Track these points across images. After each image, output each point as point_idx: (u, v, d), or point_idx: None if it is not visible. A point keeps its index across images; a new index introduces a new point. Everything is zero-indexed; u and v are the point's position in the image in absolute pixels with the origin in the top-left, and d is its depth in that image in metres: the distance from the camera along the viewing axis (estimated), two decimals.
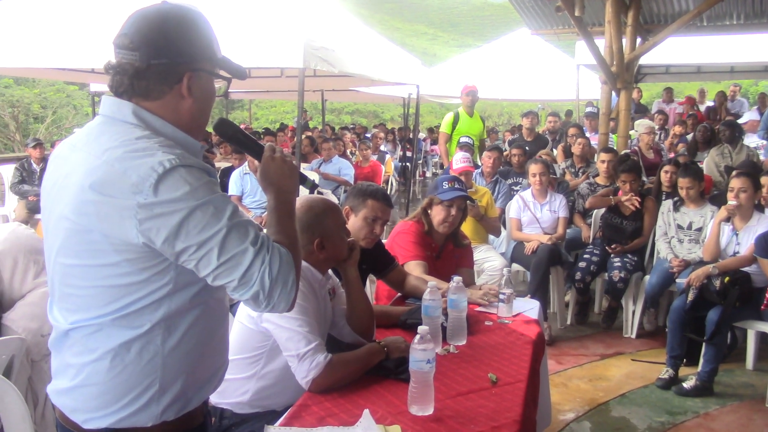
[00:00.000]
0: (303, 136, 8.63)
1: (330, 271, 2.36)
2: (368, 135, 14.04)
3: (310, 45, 5.81)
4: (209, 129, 6.03)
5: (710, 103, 11.52)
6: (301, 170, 1.59)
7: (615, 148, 7.26)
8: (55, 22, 5.86)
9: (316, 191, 1.73)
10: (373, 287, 3.63)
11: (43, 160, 7.49)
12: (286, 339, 1.98)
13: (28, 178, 7.38)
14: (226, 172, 7.23)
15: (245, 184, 6.70)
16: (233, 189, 6.67)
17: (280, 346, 2.02)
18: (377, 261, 3.04)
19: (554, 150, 7.57)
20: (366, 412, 1.79)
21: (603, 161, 5.66)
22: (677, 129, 8.78)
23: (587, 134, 7.73)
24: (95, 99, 10.65)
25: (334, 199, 6.81)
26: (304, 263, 2.15)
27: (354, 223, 2.78)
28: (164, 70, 1.33)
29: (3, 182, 7.89)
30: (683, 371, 4.09)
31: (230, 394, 2.12)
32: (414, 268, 3.21)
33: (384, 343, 2.18)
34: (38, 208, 7.13)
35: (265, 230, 1.39)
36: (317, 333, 2.02)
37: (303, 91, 6.12)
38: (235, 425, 2.11)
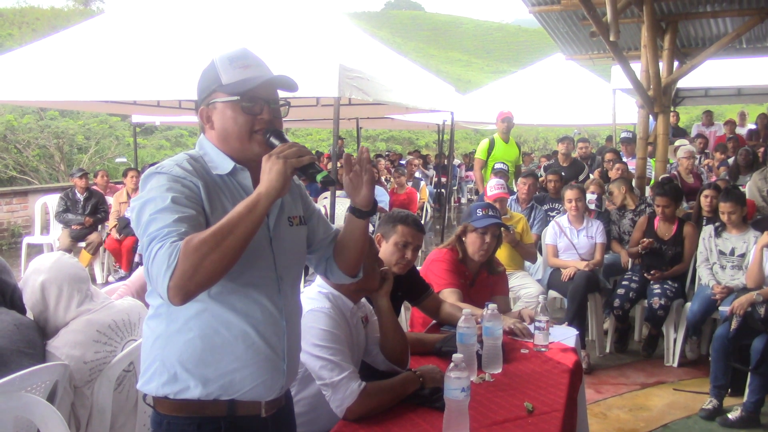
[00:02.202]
0: (338, 164, 8.73)
1: (364, 299, 2.37)
2: (403, 162, 14.12)
3: (346, 74, 5.90)
4: None
5: (751, 126, 11.28)
6: (316, 164, 1.55)
7: (654, 173, 7.18)
8: (99, 55, 6.08)
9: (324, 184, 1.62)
10: (407, 314, 3.63)
11: (87, 189, 7.70)
12: (319, 368, 2.00)
13: (72, 207, 7.59)
14: None
15: None
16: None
17: (312, 374, 2.03)
18: (412, 288, 3.05)
19: (591, 175, 7.49)
20: None
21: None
22: (718, 155, 8.64)
23: (624, 159, 7.64)
24: (137, 129, 10.95)
25: (370, 227, 6.84)
26: (335, 292, 2.18)
27: (385, 249, 2.80)
28: (197, 114, 1.68)
29: (48, 211, 8.14)
30: (728, 401, 3.97)
31: None
32: (448, 296, 3.21)
33: (419, 373, 2.18)
34: (81, 236, 7.36)
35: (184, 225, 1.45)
36: (350, 361, 2.04)
37: (338, 119, 6.19)
38: None
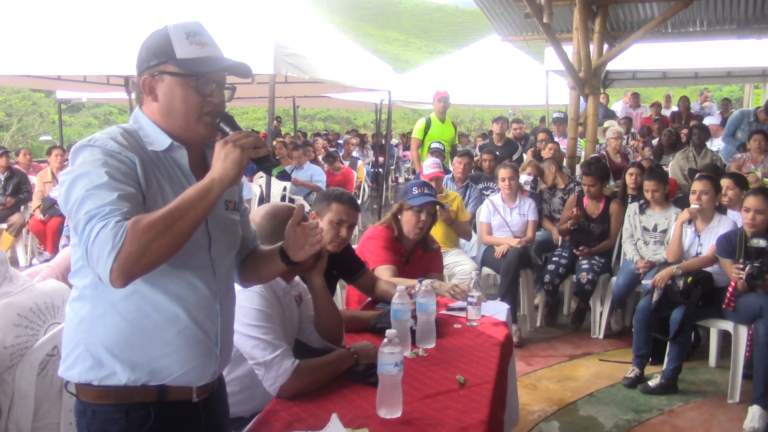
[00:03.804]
0: (274, 142, 8.61)
1: (297, 278, 2.37)
2: (341, 141, 14.05)
3: (281, 51, 5.81)
4: None
5: (675, 108, 11.75)
6: (272, 157, 1.54)
7: (584, 152, 7.40)
8: (21, 27, 5.78)
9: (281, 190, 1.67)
10: (343, 292, 3.64)
11: (8, 168, 7.35)
12: (251, 347, 1.99)
13: None
14: None
15: None
16: None
17: (244, 355, 2.02)
18: (347, 266, 3.07)
19: (524, 155, 7.66)
20: (334, 416, 1.80)
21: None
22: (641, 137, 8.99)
23: (556, 139, 7.84)
24: (62, 106, 10.49)
25: (306, 206, 6.81)
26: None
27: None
28: (138, 80, 1.58)
29: None
30: (649, 370, 4.18)
31: None
32: (383, 273, 3.24)
33: (353, 349, 2.20)
34: (3, 217, 7.03)
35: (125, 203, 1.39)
36: (283, 339, 2.03)
37: (274, 97, 6.12)
38: None
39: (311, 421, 1.85)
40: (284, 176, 1.57)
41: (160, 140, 1.55)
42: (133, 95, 1.65)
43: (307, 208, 5.83)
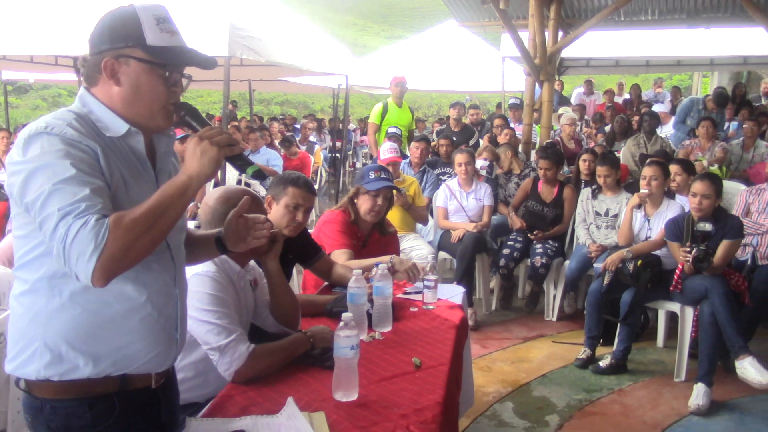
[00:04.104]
0: (229, 126, 8.48)
1: (252, 262, 2.35)
2: (297, 126, 13.93)
3: (236, 33, 5.72)
4: None
5: (628, 96, 12.00)
6: (245, 156, 1.54)
7: (539, 138, 7.50)
8: None
9: (244, 179, 1.67)
10: (300, 277, 3.63)
11: None
12: (205, 332, 1.96)
13: None
14: None
15: None
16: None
17: (198, 340, 2.00)
18: (303, 250, 3.05)
19: (480, 141, 7.73)
20: (290, 399, 1.80)
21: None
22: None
23: (512, 125, 7.93)
24: (8, 88, 10.13)
25: (262, 190, 6.74)
26: (221, 255, 2.13)
27: (276, 211, 2.77)
28: (94, 59, 1.48)
29: None
30: (600, 351, 4.29)
31: None
32: (340, 257, 3.24)
33: (309, 334, 2.19)
34: None
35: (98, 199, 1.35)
36: (237, 324, 2.01)
37: (229, 80, 6.02)
38: None
39: (267, 405, 1.84)
40: (259, 176, 1.55)
41: (116, 126, 1.49)
42: (82, 74, 1.54)
43: (263, 192, 5.77)
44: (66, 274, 1.36)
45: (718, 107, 8.27)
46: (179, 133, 6.59)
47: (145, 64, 1.47)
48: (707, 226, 3.84)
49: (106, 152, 1.43)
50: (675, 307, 4.10)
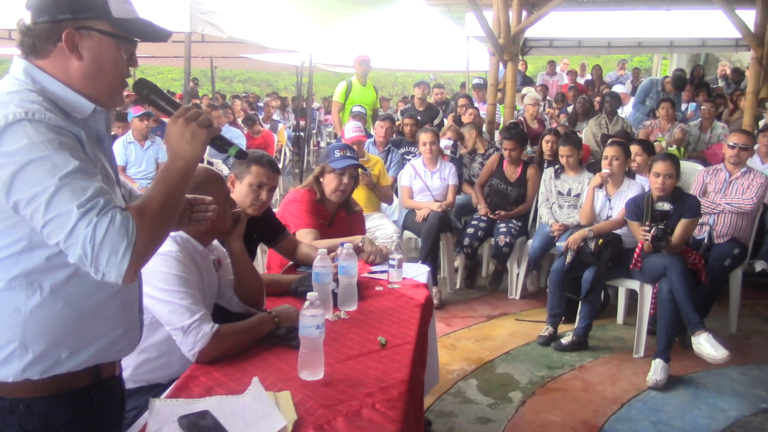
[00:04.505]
0: (191, 104, 8.30)
1: (216, 242, 2.31)
2: (260, 104, 13.74)
3: (197, 8, 5.59)
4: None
5: (590, 77, 12.14)
6: (224, 136, 1.52)
7: (502, 118, 7.53)
8: None
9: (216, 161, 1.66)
10: (264, 256, 3.59)
11: None
12: (168, 313, 1.93)
13: None
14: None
15: (129, 153, 6.42)
16: (116, 159, 6.34)
17: (161, 321, 1.96)
18: (268, 230, 3.02)
19: (445, 120, 7.73)
20: (255, 379, 1.78)
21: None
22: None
23: (476, 104, 7.95)
24: None
25: (225, 169, 6.64)
26: (183, 235, 2.09)
27: (239, 190, 2.74)
28: (46, 28, 1.34)
29: None
30: (562, 328, 4.36)
31: None
32: (305, 236, 3.22)
33: (274, 313, 2.17)
34: None
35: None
36: (201, 304, 1.98)
37: (190, 56, 5.91)
38: None
39: (232, 386, 1.82)
40: (242, 155, 1.55)
41: (81, 106, 1.39)
42: (23, 44, 1.38)
43: (226, 171, 5.70)
44: (41, 268, 1.32)
45: (676, 89, 8.43)
46: (139, 110, 6.44)
47: (111, 37, 1.38)
48: (666, 206, 3.91)
49: (87, 137, 1.36)
50: (635, 284, 4.18)
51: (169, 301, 1.92)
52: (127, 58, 1.44)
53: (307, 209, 3.40)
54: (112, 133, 7.40)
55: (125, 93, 1.53)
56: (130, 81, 1.54)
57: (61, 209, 1.21)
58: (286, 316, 2.18)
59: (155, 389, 2.01)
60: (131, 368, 2.05)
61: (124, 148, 6.40)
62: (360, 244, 3.07)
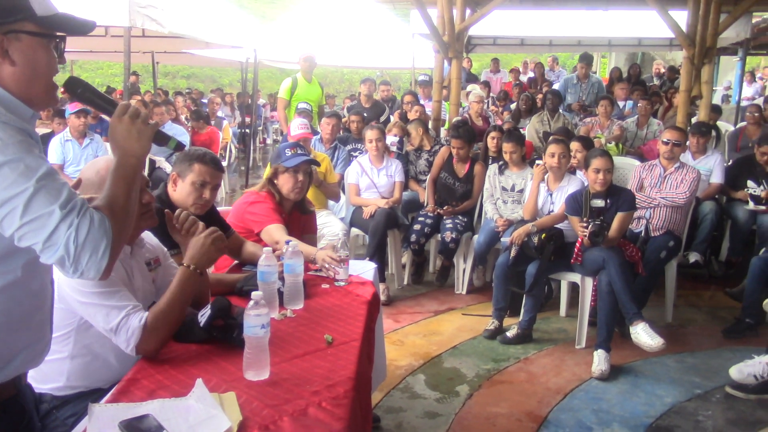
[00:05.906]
0: (132, 100, 8.10)
1: (157, 241, 2.26)
2: (204, 100, 13.50)
3: (136, 2, 5.44)
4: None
5: (532, 75, 12.38)
6: (162, 130, 1.57)
7: (448, 115, 7.61)
8: None
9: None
10: None
11: None
12: (94, 315, 1.88)
13: None
14: (45, 139, 6.63)
15: (67, 151, 6.21)
16: (53, 157, 6.14)
17: (91, 322, 1.91)
18: None
19: (391, 117, 7.76)
20: (199, 381, 1.76)
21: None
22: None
23: (422, 101, 8.00)
24: None
25: (168, 167, 6.50)
26: None
27: (182, 188, 2.69)
28: None
29: None
30: (507, 322, 4.45)
31: (46, 378, 1.96)
32: (275, 231, 3.18)
33: (187, 263, 2.06)
34: None
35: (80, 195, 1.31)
36: (128, 299, 1.92)
37: (129, 51, 5.75)
38: (55, 408, 1.96)
39: (175, 388, 1.79)
40: (179, 148, 1.64)
41: (22, 110, 1.35)
42: None
43: (169, 169, 5.56)
44: None
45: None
46: (76, 106, 6.23)
47: (40, 37, 1.34)
48: (599, 202, 4.05)
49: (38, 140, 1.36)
50: (576, 277, 4.30)
51: (94, 304, 1.87)
52: (58, 55, 1.41)
53: (273, 207, 3.36)
54: (50, 130, 7.16)
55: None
56: (59, 78, 1.50)
57: (42, 211, 1.22)
58: (195, 251, 2.07)
59: (95, 394, 1.95)
60: (66, 374, 1.98)
61: (61, 146, 6.19)
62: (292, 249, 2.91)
